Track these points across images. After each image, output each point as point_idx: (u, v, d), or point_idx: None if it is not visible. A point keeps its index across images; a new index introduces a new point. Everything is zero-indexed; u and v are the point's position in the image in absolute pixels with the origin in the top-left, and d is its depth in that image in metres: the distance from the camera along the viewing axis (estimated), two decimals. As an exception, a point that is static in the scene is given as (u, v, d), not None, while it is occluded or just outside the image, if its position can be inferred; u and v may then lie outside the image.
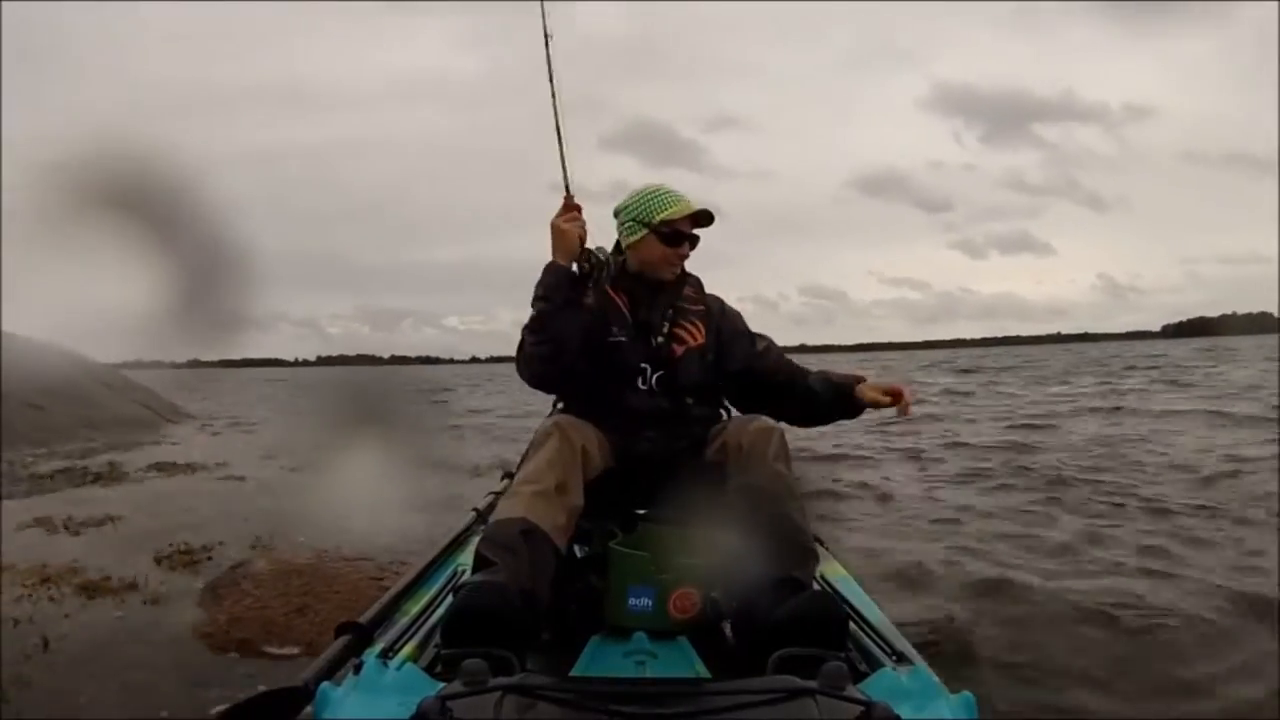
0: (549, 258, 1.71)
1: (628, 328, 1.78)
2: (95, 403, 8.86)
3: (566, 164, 1.75)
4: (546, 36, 1.79)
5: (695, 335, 1.82)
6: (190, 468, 5.86)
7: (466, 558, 1.78)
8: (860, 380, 1.83)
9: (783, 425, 1.71)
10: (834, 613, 1.39)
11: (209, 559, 3.07)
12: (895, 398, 1.78)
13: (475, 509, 2.31)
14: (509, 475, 2.58)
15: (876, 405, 1.80)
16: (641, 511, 1.73)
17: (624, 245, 1.83)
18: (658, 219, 1.77)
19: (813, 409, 1.87)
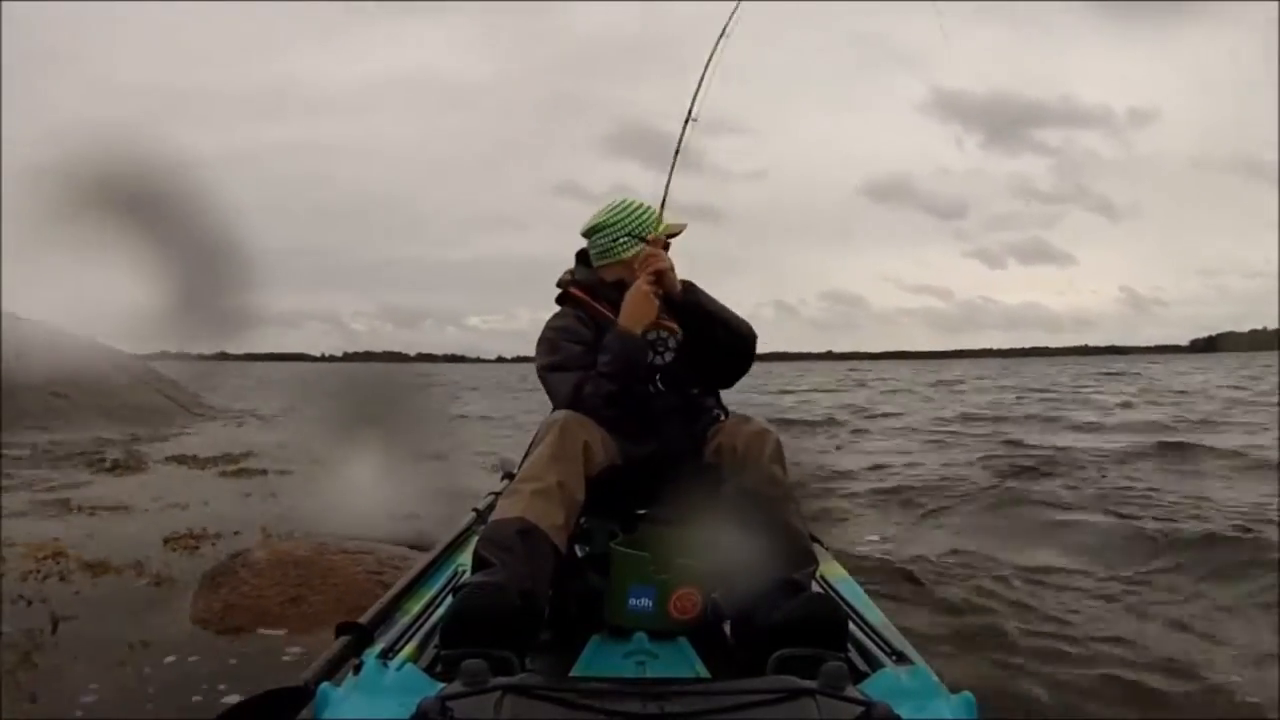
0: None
1: None
2: (118, 393, 9.02)
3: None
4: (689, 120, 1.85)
5: (676, 332, 1.84)
6: (207, 457, 5.91)
7: (466, 558, 1.78)
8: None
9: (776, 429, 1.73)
10: (834, 615, 1.39)
11: (213, 545, 3.15)
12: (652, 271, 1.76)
13: (475, 509, 2.32)
14: (509, 475, 2.58)
15: (651, 275, 1.75)
16: (642, 511, 1.73)
17: (609, 260, 1.89)
18: (654, 234, 1.87)
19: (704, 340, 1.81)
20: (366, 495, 3.57)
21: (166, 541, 3.15)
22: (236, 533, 3.37)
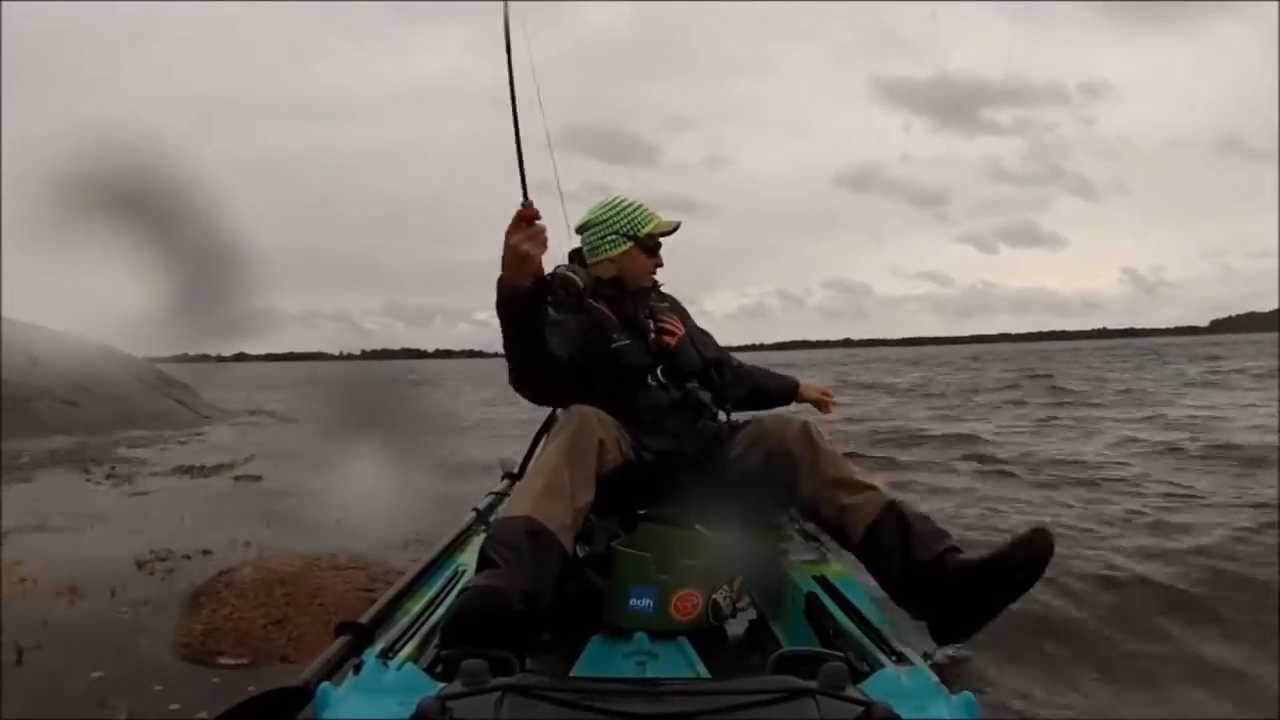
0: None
1: (623, 332, 1.83)
2: (130, 399, 8.98)
3: (525, 167, 1.60)
4: (508, 30, 1.63)
5: (677, 327, 1.92)
6: (210, 465, 5.82)
7: (467, 558, 1.78)
8: (797, 383, 2.32)
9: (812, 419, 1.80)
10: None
11: (190, 561, 2.99)
12: (826, 399, 2.34)
13: (475, 509, 2.31)
14: (509, 476, 2.58)
15: (816, 404, 2.33)
16: (643, 511, 1.73)
17: (599, 258, 1.92)
18: (643, 232, 1.89)
19: (760, 400, 2.24)
20: (369, 505, 3.53)
21: (142, 566, 2.98)
22: (207, 550, 3.19)
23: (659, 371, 1.84)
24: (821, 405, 2.32)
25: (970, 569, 1.47)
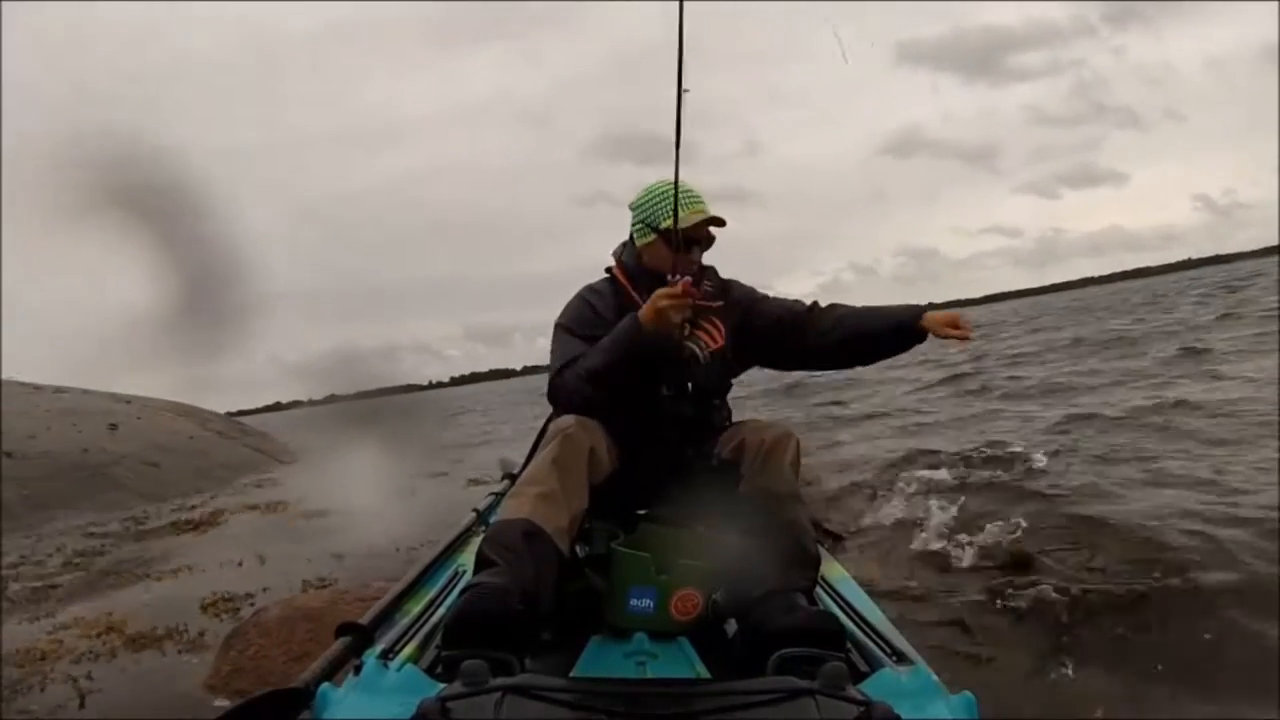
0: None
1: None
2: (208, 452, 9.35)
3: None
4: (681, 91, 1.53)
5: (716, 337, 1.79)
6: (278, 506, 5.98)
7: (466, 558, 1.78)
8: (919, 313, 1.77)
9: (798, 434, 1.69)
10: (833, 628, 1.38)
11: (251, 604, 3.15)
12: (956, 328, 1.74)
13: (475, 509, 2.31)
14: (509, 476, 2.58)
15: (944, 336, 1.74)
16: (643, 512, 1.73)
17: (637, 244, 1.83)
18: (663, 225, 1.73)
19: (866, 346, 1.83)
20: (419, 531, 3.59)
21: (205, 609, 3.19)
22: (263, 591, 3.37)
23: (675, 384, 1.74)
24: (955, 337, 1.75)
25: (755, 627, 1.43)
